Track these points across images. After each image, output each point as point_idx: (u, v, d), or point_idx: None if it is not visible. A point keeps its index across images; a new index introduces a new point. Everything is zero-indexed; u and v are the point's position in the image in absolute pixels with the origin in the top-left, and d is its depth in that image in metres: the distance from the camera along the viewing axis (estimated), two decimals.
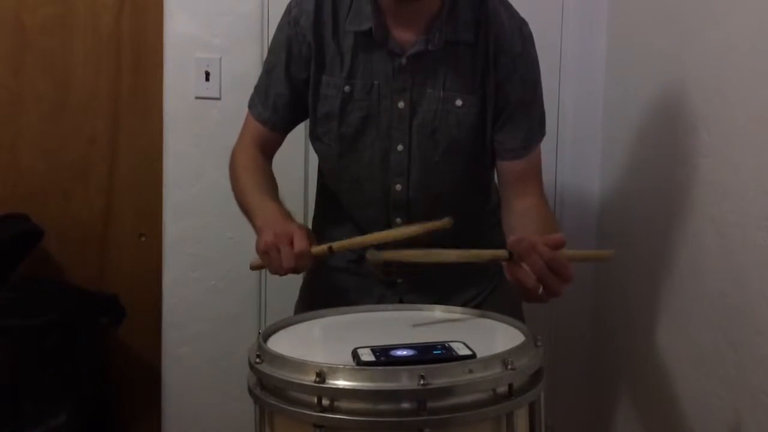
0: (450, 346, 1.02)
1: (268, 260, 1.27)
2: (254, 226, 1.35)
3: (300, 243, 1.24)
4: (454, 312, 1.27)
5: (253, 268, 1.34)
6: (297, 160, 2.11)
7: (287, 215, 1.35)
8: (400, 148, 1.42)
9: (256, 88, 1.52)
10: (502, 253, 1.17)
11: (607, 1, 2.11)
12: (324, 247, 1.27)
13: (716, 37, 1.51)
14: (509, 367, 0.97)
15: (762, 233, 1.34)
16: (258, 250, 1.28)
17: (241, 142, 1.53)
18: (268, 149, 1.53)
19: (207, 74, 2.13)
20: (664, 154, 1.73)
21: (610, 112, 2.11)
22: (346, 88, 1.41)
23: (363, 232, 1.50)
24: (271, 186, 1.46)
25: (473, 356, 0.99)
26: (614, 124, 2.08)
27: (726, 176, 1.46)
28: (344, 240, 1.31)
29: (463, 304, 1.41)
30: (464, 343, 1.03)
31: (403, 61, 1.39)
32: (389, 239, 1.26)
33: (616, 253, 1.24)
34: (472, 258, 1.20)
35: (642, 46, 1.89)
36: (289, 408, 0.98)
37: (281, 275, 1.28)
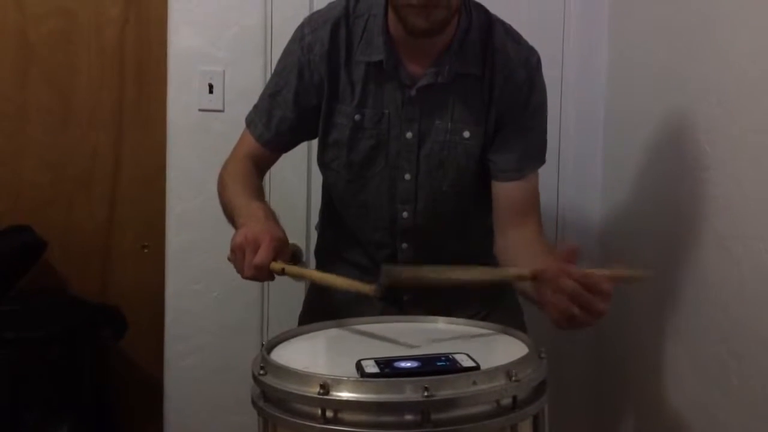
0: (454, 358, 1.03)
1: (234, 261, 1.25)
2: (236, 226, 1.32)
3: (261, 255, 1.21)
4: (457, 323, 1.27)
5: (229, 260, 1.29)
6: (299, 166, 2.11)
7: (270, 216, 1.31)
8: (407, 176, 1.43)
9: (257, 108, 1.50)
10: (525, 272, 1.16)
11: (608, 16, 2.11)
12: (279, 266, 1.22)
13: (717, 50, 1.51)
14: (513, 378, 0.98)
15: (764, 245, 1.34)
16: (230, 247, 1.26)
17: (234, 156, 1.51)
18: (262, 165, 1.52)
19: (210, 87, 2.13)
20: (665, 167, 1.73)
21: (611, 128, 2.11)
22: (357, 117, 1.41)
23: (370, 256, 1.51)
24: (258, 190, 1.44)
25: (477, 368, 1.00)
26: (615, 139, 2.08)
27: (728, 189, 1.46)
28: (302, 268, 1.39)
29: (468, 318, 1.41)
30: (468, 355, 1.03)
31: (413, 92, 1.39)
32: (328, 281, 1.25)
33: (650, 274, 1.15)
34: (495, 276, 1.17)
35: (643, 61, 1.89)
36: (293, 420, 0.98)
37: (243, 278, 1.25)
